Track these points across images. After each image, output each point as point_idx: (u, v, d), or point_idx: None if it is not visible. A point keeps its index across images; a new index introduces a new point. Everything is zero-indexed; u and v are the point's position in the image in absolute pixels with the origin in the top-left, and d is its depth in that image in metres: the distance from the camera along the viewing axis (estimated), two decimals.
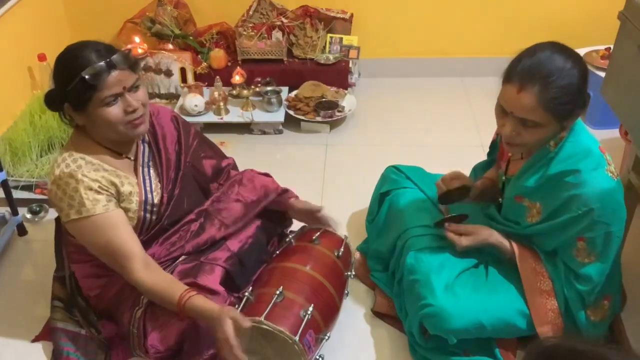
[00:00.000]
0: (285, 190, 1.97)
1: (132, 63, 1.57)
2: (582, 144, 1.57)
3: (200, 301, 1.54)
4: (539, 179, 1.60)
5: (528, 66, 1.48)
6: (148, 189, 1.71)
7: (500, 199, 1.78)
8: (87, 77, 1.48)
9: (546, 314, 1.65)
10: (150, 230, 1.74)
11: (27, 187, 2.44)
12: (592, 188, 1.52)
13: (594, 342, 0.87)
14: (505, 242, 1.72)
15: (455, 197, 1.81)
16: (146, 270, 1.59)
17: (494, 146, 1.91)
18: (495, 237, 1.73)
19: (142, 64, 1.67)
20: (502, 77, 1.54)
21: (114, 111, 1.54)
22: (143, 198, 1.69)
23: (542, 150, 1.59)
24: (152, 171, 1.75)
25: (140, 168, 1.71)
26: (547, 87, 1.45)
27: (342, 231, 2.03)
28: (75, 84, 1.50)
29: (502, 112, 1.56)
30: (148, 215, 1.71)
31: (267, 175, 2.05)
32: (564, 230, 1.59)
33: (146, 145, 1.75)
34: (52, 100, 1.59)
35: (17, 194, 2.35)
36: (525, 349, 1.75)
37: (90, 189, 1.56)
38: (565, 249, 1.63)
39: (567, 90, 1.47)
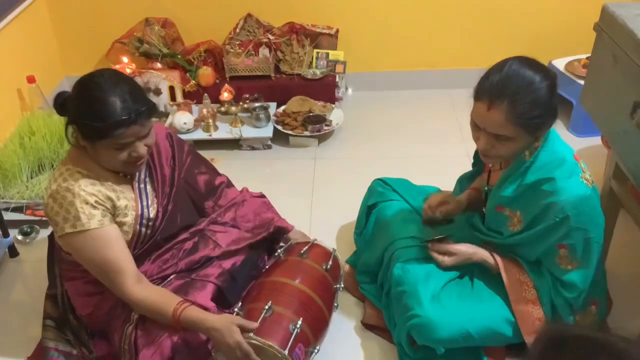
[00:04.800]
0: (281, 229, 1.99)
1: (153, 112, 1.59)
2: (556, 152, 1.60)
3: (196, 312, 1.56)
4: (516, 189, 1.63)
5: (496, 83, 1.50)
6: (145, 204, 1.73)
7: (483, 209, 1.81)
8: (102, 127, 1.50)
9: (533, 323, 1.67)
10: (144, 245, 1.76)
11: (18, 209, 2.45)
12: (567, 195, 1.54)
13: (603, 330, 0.89)
14: (489, 259, 1.74)
15: (440, 221, 1.88)
16: (138, 284, 1.61)
17: (478, 156, 1.94)
18: (478, 255, 1.76)
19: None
20: (473, 94, 1.56)
21: (121, 155, 1.57)
22: (140, 212, 1.71)
23: (518, 160, 1.62)
24: (149, 187, 1.77)
25: (137, 184, 1.74)
26: (515, 103, 1.48)
27: (330, 244, 2.06)
28: (91, 126, 1.51)
29: (475, 126, 1.59)
30: (143, 230, 1.73)
31: (262, 196, 2.08)
32: (544, 239, 1.62)
33: None
34: (63, 109, 1.60)
35: (7, 216, 2.37)
36: (514, 356, 1.78)
37: (87, 203, 1.58)
38: (547, 257, 1.66)
39: (536, 104, 1.49)
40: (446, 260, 1.77)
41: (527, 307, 1.68)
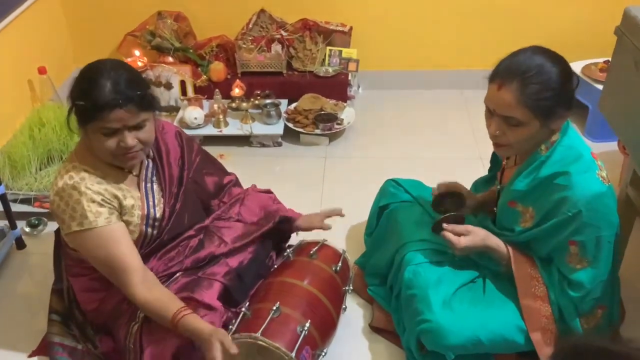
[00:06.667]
0: (287, 218, 1.95)
1: (146, 104, 1.55)
2: (573, 148, 1.59)
3: (193, 320, 1.54)
4: (530, 182, 1.62)
5: (508, 65, 1.54)
6: (151, 203, 1.72)
7: (495, 208, 1.79)
8: (88, 106, 1.48)
9: (539, 319, 1.65)
10: (150, 244, 1.74)
11: (26, 201, 2.45)
12: (581, 190, 1.53)
13: (617, 341, 0.88)
14: (502, 245, 1.71)
15: (449, 204, 1.83)
16: (144, 284, 1.59)
17: (495, 160, 1.92)
18: (492, 239, 1.72)
19: (158, 103, 1.64)
20: (488, 79, 1.59)
21: (108, 142, 1.54)
22: (146, 212, 1.69)
23: (533, 154, 1.61)
24: (155, 186, 1.75)
25: (143, 183, 1.72)
26: (525, 83, 1.50)
27: (340, 244, 2.03)
28: (79, 105, 1.50)
29: (488, 112, 1.61)
30: (150, 230, 1.71)
31: (268, 191, 2.06)
32: (555, 234, 1.60)
33: (150, 161, 1.76)
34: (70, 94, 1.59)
35: (15, 208, 2.36)
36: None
37: (93, 201, 1.57)
38: (558, 254, 1.63)
39: (546, 86, 1.50)
40: (462, 240, 1.70)
41: (535, 303, 1.65)
